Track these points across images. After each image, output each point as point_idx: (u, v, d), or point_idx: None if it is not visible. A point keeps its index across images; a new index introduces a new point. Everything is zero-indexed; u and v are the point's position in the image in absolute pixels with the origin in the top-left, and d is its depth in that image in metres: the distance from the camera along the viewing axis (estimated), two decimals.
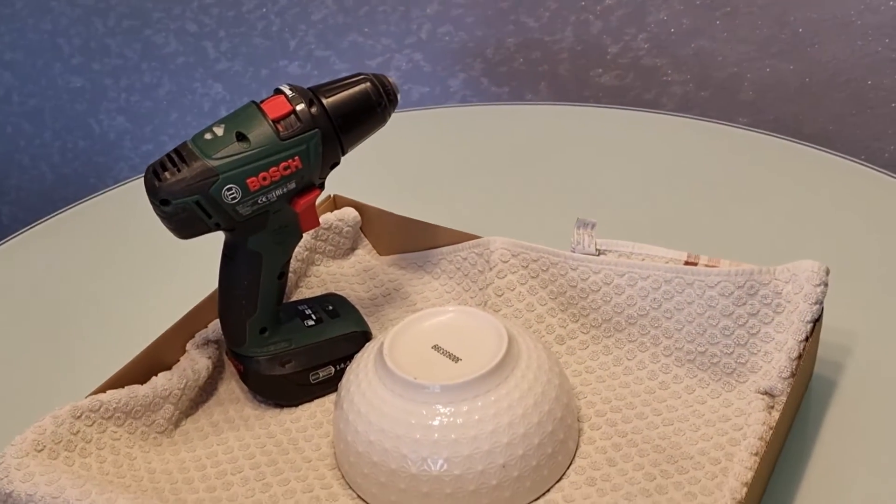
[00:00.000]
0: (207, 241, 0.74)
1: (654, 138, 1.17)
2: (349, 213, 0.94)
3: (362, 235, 0.96)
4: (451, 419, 0.67)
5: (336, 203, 0.96)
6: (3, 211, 2.26)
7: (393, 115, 0.76)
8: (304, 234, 0.89)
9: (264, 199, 0.71)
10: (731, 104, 1.61)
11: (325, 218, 0.92)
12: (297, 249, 0.87)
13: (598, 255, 0.82)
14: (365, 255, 0.95)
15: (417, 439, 0.67)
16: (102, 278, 1.04)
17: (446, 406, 0.67)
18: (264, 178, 0.70)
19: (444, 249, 0.90)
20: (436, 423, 0.67)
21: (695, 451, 0.71)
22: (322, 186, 0.75)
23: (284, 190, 0.72)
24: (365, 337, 0.81)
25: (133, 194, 1.18)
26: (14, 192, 2.23)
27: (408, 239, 0.92)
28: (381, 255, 0.95)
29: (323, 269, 0.94)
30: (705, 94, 1.62)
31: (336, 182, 0.77)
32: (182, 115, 2.01)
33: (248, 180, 0.70)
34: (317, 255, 0.94)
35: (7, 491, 0.66)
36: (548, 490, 0.70)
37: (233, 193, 0.69)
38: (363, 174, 0.93)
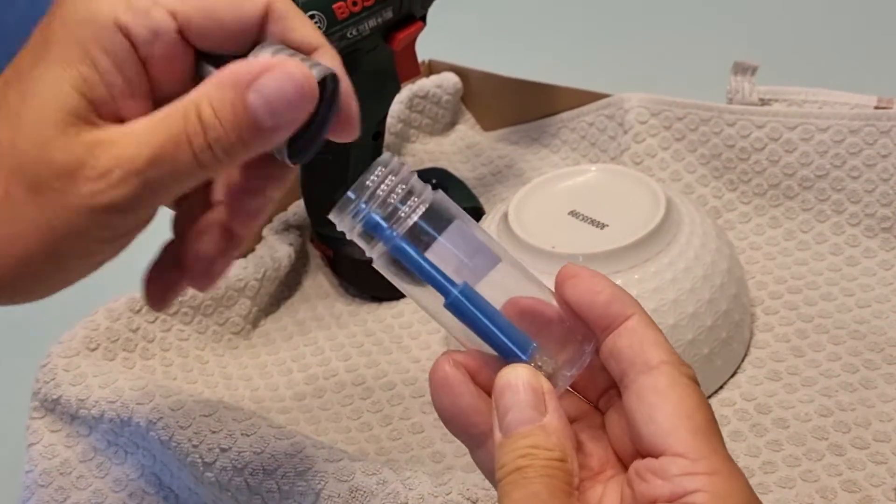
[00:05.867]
0: None
1: None
2: (449, 79, 0.80)
3: (464, 108, 0.82)
4: None
5: (432, 69, 0.81)
6: None
7: None
8: (397, 103, 0.76)
9: (355, 32, 0.58)
10: None
11: (421, 84, 0.79)
12: (389, 121, 0.73)
13: (762, 105, 0.68)
14: (467, 130, 0.82)
15: None
16: None
17: None
18: (354, 4, 0.57)
19: (563, 115, 0.77)
20: None
21: None
22: (423, 20, 0.62)
23: (379, 20, 0.59)
24: (476, 213, 0.68)
25: None
26: None
27: (519, 106, 0.78)
28: (486, 130, 0.81)
29: (419, 147, 0.80)
30: None
31: (431, 46, 0.63)
32: None
33: (334, 5, 0.56)
34: (412, 130, 0.80)
35: (54, 396, 0.54)
36: (721, 387, 0.56)
37: (316, 21, 0.56)
38: (462, 35, 0.79)
